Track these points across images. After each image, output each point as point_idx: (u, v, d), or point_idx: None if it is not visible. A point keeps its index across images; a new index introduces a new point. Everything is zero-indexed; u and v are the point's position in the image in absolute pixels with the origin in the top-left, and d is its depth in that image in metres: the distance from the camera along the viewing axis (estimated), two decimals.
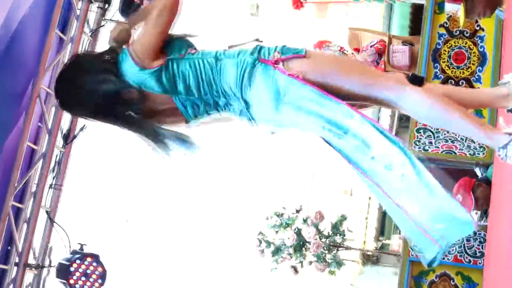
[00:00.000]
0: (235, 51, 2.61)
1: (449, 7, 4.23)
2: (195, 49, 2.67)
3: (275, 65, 2.50)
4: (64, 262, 4.15)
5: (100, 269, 4.01)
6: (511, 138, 2.36)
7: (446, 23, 5.97)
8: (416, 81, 2.56)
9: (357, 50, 6.90)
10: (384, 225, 12.64)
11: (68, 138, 4.76)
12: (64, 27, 4.87)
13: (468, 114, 2.51)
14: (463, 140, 5.62)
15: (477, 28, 5.89)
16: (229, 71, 2.55)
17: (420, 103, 2.47)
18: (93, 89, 2.64)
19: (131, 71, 2.61)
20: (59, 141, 4.75)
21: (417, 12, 9.28)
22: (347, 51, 6.85)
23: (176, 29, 2.72)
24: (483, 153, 5.52)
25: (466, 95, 2.73)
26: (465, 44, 5.84)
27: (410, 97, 2.48)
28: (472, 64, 5.74)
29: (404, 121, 11.21)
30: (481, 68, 5.72)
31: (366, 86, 2.51)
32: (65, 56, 4.75)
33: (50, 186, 4.70)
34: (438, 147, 5.66)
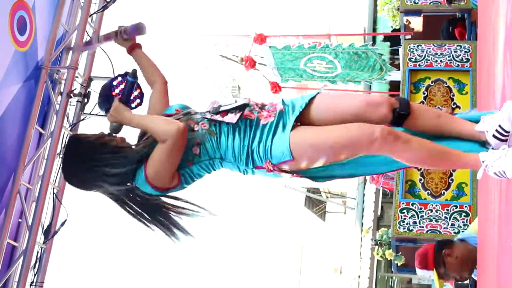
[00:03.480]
0: (232, 154, 2.79)
1: (420, 273, 4.25)
2: (196, 145, 2.79)
3: (269, 171, 2.76)
4: (107, 81, 4.14)
5: (138, 90, 4.06)
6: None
7: (423, 102, 6.05)
8: (400, 119, 2.70)
9: None
10: None
11: (49, 233, 4.69)
12: (43, 122, 4.88)
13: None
14: (447, 218, 5.61)
15: (454, 106, 5.98)
16: (232, 170, 2.89)
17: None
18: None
19: (145, 188, 2.80)
20: (40, 237, 4.69)
21: (395, 89, 9.46)
22: None
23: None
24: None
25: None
26: None
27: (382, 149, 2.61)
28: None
29: (389, 196, 11.23)
30: None
31: (347, 153, 2.68)
32: (45, 151, 4.75)
33: (31, 284, 4.60)
34: (423, 227, 5.65)
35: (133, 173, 2.79)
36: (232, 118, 2.79)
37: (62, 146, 4.80)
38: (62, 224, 4.73)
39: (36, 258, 4.66)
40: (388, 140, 2.56)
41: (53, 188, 4.76)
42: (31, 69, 4.64)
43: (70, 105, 4.89)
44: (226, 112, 2.82)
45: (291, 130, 2.69)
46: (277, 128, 2.74)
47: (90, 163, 2.80)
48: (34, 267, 4.64)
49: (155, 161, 2.73)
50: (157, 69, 3.22)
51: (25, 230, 4.63)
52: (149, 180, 2.75)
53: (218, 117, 2.82)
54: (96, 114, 4.80)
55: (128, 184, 2.84)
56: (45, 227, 4.73)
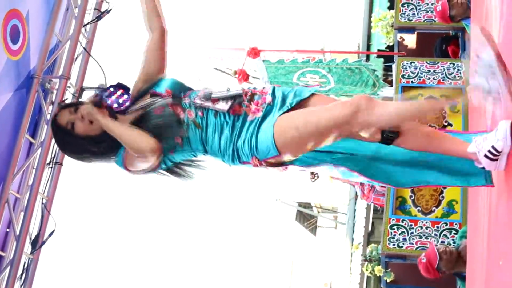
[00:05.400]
0: (217, 148, 2.77)
1: None
2: (179, 136, 2.78)
3: (256, 166, 2.73)
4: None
5: (129, 102, 4.13)
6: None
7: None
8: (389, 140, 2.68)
9: None
10: None
11: (37, 243, 4.66)
12: (34, 131, 4.87)
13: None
14: (436, 235, 5.61)
15: (445, 124, 5.99)
16: (218, 160, 2.85)
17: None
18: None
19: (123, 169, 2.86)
20: (27, 247, 4.65)
21: None
22: None
23: None
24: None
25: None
26: None
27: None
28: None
29: (380, 212, 11.22)
30: None
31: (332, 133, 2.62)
32: (35, 160, 4.73)
33: None
34: (413, 244, 5.64)
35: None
36: (223, 106, 2.77)
37: (52, 156, 4.79)
38: (50, 234, 4.70)
39: (23, 268, 4.62)
40: (368, 106, 2.53)
41: (42, 198, 4.74)
42: (23, 78, 4.62)
43: None
44: (218, 99, 2.80)
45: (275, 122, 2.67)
46: (262, 124, 2.71)
47: (75, 153, 2.97)
48: (21, 278, 4.61)
49: (132, 162, 2.80)
50: (158, 15, 3.06)
51: (12, 240, 4.60)
52: (127, 167, 2.84)
53: (209, 104, 2.79)
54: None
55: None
56: (33, 237, 4.69)
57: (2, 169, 4.48)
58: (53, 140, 4.75)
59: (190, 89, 2.92)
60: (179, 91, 2.90)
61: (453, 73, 6.42)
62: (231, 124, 2.76)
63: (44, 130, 4.81)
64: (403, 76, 6.51)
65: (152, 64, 2.99)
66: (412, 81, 6.50)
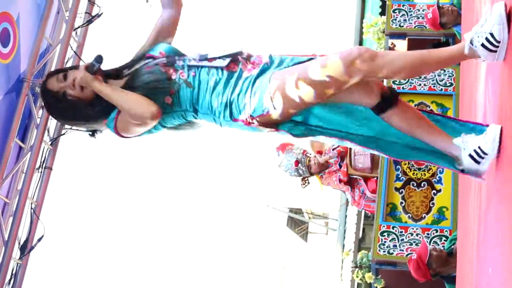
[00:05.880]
0: (208, 107, 2.76)
1: None
2: (169, 95, 2.79)
3: (248, 125, 2.74)
4: None
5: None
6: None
7: None
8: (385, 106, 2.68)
9: (320, 152, 6.95)
10: None
11: (25, 249, 4.62)
12: (24, 135, 4.83)
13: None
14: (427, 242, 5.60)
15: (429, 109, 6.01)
16: (209, 121, 2.86)
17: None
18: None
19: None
20: (16, 253, 4.61)
21: None
22: (310, 154, 6.90)
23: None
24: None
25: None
26: None
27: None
28: (433, 166, 5.81)
29: (371, 219, 11.23)
30: (441, 170, 5.78)
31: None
32: (24, 165, 4.69)
33: None
34: (403, 250, 5.64)
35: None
36: (221, 62, 2.78)
37: (42, 160, 4.76)
38: (39, 239, 4.67)
39: (12, 274, 4.58)
40: (366, 56, 2.52)
41: (31, 203, 4.70)
42: (12, 81, 4.59)
43: (51, 119, 4.84)
44: (215, 58, 2.80)
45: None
46: (257, 79, 2.70)
47: (69, 119, 3.19)
48: (9, 283, 4.57)
49: (125, 125, 2.85)
50: None
51: (1, 245, 4.55)
52: (118, 131, 2.89)
53: (205, 63, 2.79)
54: (77, 129, 4.75)
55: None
56: (21, 243, 4.65)
57: None
58: (43, 144, 4.73)
59: (184, 55, 2.93)
60: (173, 54, 2.91)
61: (444, 79, 6.43)
62: (224, 79, 2.75)
63: (34, 134, 4.78)
64: (394, 82, 6.52)
65: (163, 36, 3.01)
66: (403, 87, 6.51)
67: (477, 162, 2.51)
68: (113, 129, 2.86)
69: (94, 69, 2.82)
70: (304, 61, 2.71)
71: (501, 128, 2.46)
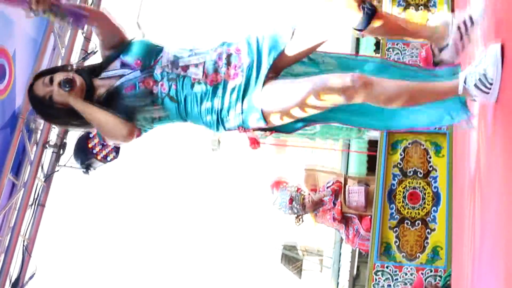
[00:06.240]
0: (198, 117, 2.72)
1: None
2: (157, 104, 2.73)
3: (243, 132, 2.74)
4: (84, 133, 4.40)
5: None
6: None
7: (400, 164, 6.08)
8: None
9: (314, 190, 6.94)
10: None
11: (17, 286, 4.58)
12: (17, 171, 4.82)
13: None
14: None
15: (430, 169, 6.01)
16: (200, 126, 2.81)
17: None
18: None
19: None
20: None
21: (373, 148, 9.51)
22: (304, 192, 6.88)
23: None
24: None
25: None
26: (419, 184, 5.93)
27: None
28: (427, 204, 5.81)
29: (365, 257, 11.17)
30: (435, 209, 5.77)
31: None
32: (17, 201, 4.68)
33: None
34: None
35: None
36: (197, 72, 2.71)
37: (35, 197, 4.74)
38: (31, 277, 4.63)
39: None
40: (361, 85, 2.50)
41: (23, 240, 4.68)
42: (7, 117, 4.60)
43: (45, 155, 4.84)
44: (187, 66, 2.73)
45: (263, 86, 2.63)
46: (246, 91, 2.66)
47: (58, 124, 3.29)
48: None
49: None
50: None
51: None
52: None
53: (179, 71, 2.73)
54: (71, 166, 4.76)
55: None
56: (13, 280, 4.61)
57: None
58: (36, 181, 4.73)
59: (161, 50, 2.81)
60: (149, 57, 2.80)
61: None
62: (210, 93, 2.69)
63: (28, 170, 4.77)
64: None
65: (109, 37, 2.87)
66: None
67: (485, 92, 2.44)
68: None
69: (65, 90, 2.75)
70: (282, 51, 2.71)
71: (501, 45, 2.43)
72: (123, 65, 2.81)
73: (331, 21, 2.64)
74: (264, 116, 2.64)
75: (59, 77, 2.78)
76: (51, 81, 2.79)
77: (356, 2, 2.59)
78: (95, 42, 5.11)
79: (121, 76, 2.78)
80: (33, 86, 2.86)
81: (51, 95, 2.78)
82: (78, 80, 2.79)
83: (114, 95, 2.76)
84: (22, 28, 4.64)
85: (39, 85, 2.82)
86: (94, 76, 2.85)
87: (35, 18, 4.73)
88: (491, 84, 2.39)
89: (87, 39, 5.13)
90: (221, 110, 2.69)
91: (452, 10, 6.02)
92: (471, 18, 2.66)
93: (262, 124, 2.67)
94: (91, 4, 5.21)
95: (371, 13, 2.63)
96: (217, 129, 2.74)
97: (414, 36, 2.94)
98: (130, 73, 2.77)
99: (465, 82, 2.48)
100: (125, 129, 2.71)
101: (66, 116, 2.84)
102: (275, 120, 2.67)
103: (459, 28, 2.65)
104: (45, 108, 2.84)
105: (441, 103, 2.71)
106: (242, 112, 2.66)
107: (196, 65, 2.71)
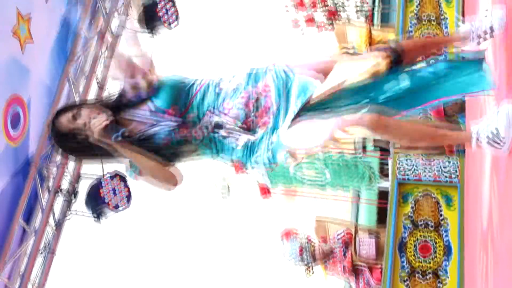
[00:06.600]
0: (229, 149, 2.79)
1: None
2: (192, 149, 2.80)
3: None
4: (96, 181, 4.45)
5: (126, 191, 4.40)
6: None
7: (411, 215, 6.06)
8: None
9: (324, 239, 6.92)
10: None
11: None
12: (29, 217, 4.83)
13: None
14: None
15: (441, 221, 5.98)
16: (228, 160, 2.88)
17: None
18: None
19: None
20: None
21: (384, 198, 9.48)
22: (314, 242, 6.86)
23: None
24: None
25: None
26: (430, 236, 5.89)
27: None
28: (438, 256, 5.76)
29: None
30: (447, 261, 5.72)
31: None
32: (28, 248, 4.67)
33: None
34: None
35: None
36: (222, 132, 2.78)
37: (45, 242, 4.74)
38: None
39: None
40: (377, 127, 2.55)
41: (33, 286, 4.66)
42: (20, 163, 4.63)
43: (56, 202, 4.86)
44: (228, 131, 2.77)
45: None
46: (274, 130, 2.73)
47: (80, 156, 3.12)
48: None
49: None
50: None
51: None
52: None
53: (222, 132, 2.78)
54: (82, 214, 4.77)
55: None
56: None
57: None
58: (47, 227, 4.73)
59: (191, 87, 2.82)
60: (181, 102, 2.79)
61: (449, 169, 6.45)
62: (241, 134, 2.77)
63: (39, 217, 4.78)
64: (399, 171, 6.54)
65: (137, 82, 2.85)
66: (408, 176, 6.52)
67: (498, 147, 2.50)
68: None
69: (117, 139, 2.71)
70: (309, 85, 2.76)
71: None
72: (154, 110, 2.79)
73: (360, 72, 2.71)
74: (291, 154, 2.74)
75: (85, 115, 2.76)
76: (76, 117, 2.77)
77: (386, 60, 2.68)
78: (109, 90, 5.17)
79: (153, 124, 2.78)
80: (56, 122, 2.82)
81: (75, 131, 2.76)
82: (108, 116, 2.76)
83: (147, 140, 2.78)
84: (37, 76, 4.70)
85: (63, 121, 2.80)
86: (120, 112, 2.82)
87: (49, 66, 4.84)
88: (503, 139, 2.43)
89: (101, 87, 5.19)
90: (251, 147, 2.75)
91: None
92: (491, 28, 2.77)
93: (290, 160, 2.77)
94: (100, 30, 5.32)
95: (398, 61, 2.72)
96: (245, 164, 2.81)
97: (439, 47, 3.01)
98: (163, 121, 2.77)
99: (477, 138, 2.52)
100: (174, 179, 2.79)
101: (88, 149, 2.80)
102: (301, 155, 2.81)
103: (479, 36, 2.76)
104: (67, 141, 2.81)
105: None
106: (269, 150, 2.74)
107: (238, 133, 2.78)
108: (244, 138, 2.76)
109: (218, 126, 2.78)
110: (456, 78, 2.74)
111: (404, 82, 2.74)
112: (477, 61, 2.74)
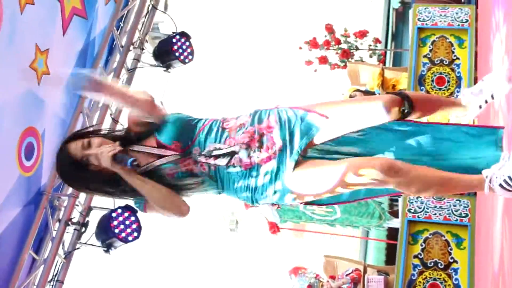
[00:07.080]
0: (234, 189, 2.79)
1: None
2: (198, 182, 2.80)
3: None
4: (107, 212, 4.52)
5: (136, 224, 4.47)
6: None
7: (420, 255, 6.04)
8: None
9: (333, 277, 6.88)
10: None
11: None
12: (38, 247, 4.84)
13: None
14: None
15: (451, 261, 5.95)
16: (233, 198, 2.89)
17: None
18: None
19: None
20: None
21: (393, 237, 9.44)
22: (323, 279, 6.83)
23: None
24: None
25: None
26: (440, 276, 5.86)
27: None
28: None
29: None
30: None
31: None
32: (36, 277, 4.67)
33: None
34: None
35: None
36: (222, 162, 2.76)
37: (54, 273, 4.74)
38: None
39: None
40: (388, 170, 2.55)
41: None
42: (32, 194, 4.66)
43: (67, 232, 4.87)
44: (218, 156, 2.77)
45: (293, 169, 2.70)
46: (278, 171, 2.71)
47: (86, 189, 3.10)
48: None
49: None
50: None
51: None
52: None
53: (211, 161, 2.77)
54: (92, 244, 4.77)
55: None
56: None
57: (3, 284, 4.42)
58: (57, 257, 4.73)
59: (197, 123, 2.87)
60: (186, 137, 2.83)
61: (459, 210, 6.43)
62: (245, 177, 2.76)
63: (49, 247, 4.79)
64: (409, 210, 6.52)
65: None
66: (418, 216, 6.50)
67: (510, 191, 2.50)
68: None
69: (123, 165, 2.71)
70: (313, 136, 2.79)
71: None
72: (160, 145, 2.83)
73: (369, 118, 2.74)
74: (297, 197, 2.74)
75: (98, 144, 2.77)
76: (89, 145, 2.77)
77: (397, 107, 2.70)
78: (122, 124, 5.21)
79: (159, 156, 2.81)
80: (66, 147, 2.81)
81: (87, 159, 2.75)
82: (116, 146, 2.79)
83: (154, 173, 2.80)
84: (52, 108, 4.75)
85: (75, 147, 2.78)
86: (129, 144, 2.85)
87: (65, 98, 4.89)
88: None
89: (115, 121, 5.23)
90: (255, 189, 2.75)
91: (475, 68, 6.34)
92: (492, 97, 2.81)
93: (297, 203, 2.80)
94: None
95: (409, 114, 2.75)
96: (253, 203, 2.83)
97: (448, 108, 3.03)
98: (170, 155, 2.80)
99: (490, 181, 2.53)
100: (185, 206, 2.80)
101: (98, 182, 2.81)
102: (308, 199, 2.79)
103: (480, 107, 2.80)
104: (75, 170, 2.78)
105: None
106: (275, 192, 2.73)
107: (224, 156, 2.77)
108: (243, 154, 2.74)
109: (208, 153, 2.79)
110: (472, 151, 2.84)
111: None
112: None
